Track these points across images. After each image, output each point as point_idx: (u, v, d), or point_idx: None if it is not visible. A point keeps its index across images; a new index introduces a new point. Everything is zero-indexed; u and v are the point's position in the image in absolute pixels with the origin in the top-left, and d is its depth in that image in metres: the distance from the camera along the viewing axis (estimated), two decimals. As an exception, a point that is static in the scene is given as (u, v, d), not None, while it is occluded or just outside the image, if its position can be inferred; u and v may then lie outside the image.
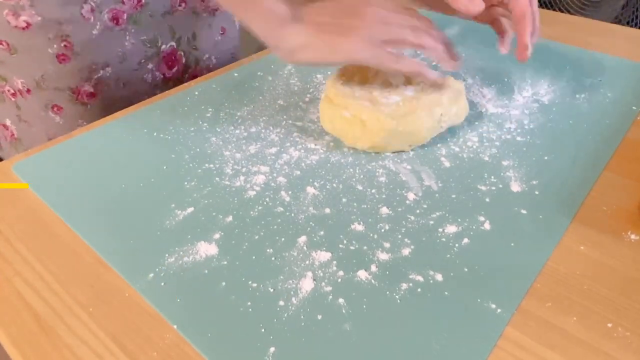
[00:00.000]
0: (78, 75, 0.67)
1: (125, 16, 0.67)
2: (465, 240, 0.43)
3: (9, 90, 0.68)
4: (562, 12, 1.31)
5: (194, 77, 0.78)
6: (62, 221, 0.46)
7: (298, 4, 0.51)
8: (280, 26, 0.49)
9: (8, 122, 0.72)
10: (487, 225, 0.45)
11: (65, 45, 0.64)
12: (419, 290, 0.39)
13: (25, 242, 0.45)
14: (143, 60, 0.72)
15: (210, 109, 0.62)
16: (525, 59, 0.53)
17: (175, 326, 0.37)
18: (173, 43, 0.75)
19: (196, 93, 0.65)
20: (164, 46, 0.74)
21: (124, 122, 0.60)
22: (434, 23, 0.53)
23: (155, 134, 0.57)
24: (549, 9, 1.29)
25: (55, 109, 0.68)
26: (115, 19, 0.67)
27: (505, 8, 0.56)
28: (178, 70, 0.77)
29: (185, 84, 0.68)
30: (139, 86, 0.73)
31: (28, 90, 0.67)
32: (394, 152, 0.54)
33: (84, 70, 0.67)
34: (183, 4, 0.73)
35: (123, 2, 0.66)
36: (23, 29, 0.62)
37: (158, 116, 0.61)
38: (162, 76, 0.75)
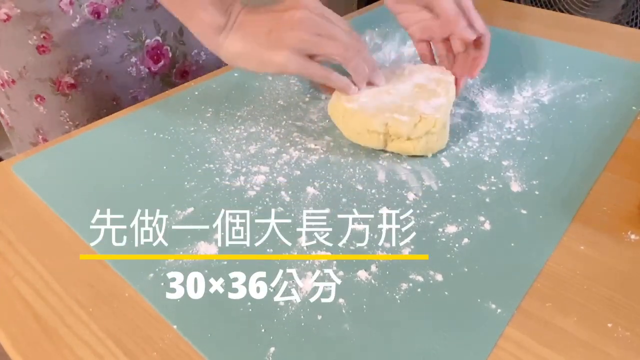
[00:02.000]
0: (58, 66, 0.67)
1: (106, 10, 0.67)
2: (465, 240, 0.43)
3: None
4: (562, 12, 1.30)
5: (183, 72, 0.78)
6: (62, 221, 0.46)
7: (235, 10, 0.52)
8: (215, 35, 0.52)
9: (2, 111, 0.73)
10: (487, 225, 0.45)
11: (44, 37, 0.65)
12: (419, 290, 0.39)
13: (25, 242, 0.45)
14: (126, 54, 0.72)
15: (210, 109, 0.62)
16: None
17: (175, 326, 0.37)
18: (158, 37, 0.74)
19: (196, 93, 0.65)
20: (148, 40, 0.73)
21: (124, 122, 0.60)
22: (365, 44, 0.55)
23: (155, 134, 0.57)
24: (549, 9, 1.29)
25: (38, 99, 0.69)
26: (96, 13, 0.66)
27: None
28: (165, 65, 0.76)
29: (185, 84, 0.68)
30: (124, 79, 0.73)
31: (13, 81, 0.68)
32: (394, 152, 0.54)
33: (64, 62, 0.67)
34: None
35: None
36: (4, 21, 0.63)
37: (158, 116, 0.61)
38: (147, 70, 0.74)
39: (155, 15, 0.72)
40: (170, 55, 0.76)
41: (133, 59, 0.72)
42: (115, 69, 0.71)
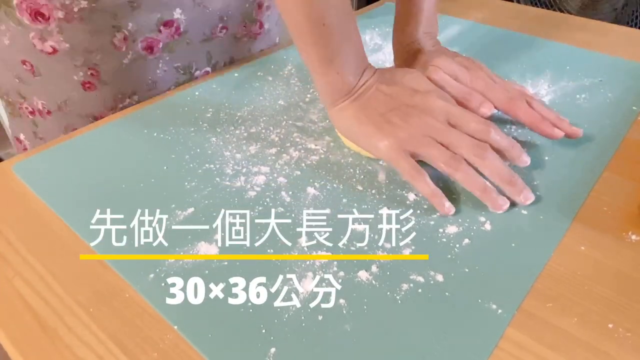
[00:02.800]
0: (103, 104, 0.64)
1: (160, 45, 0.64)
2: (466, 240, 0.43)
3: (26, 108, 0.66)
4: (562, 12, 1.30)
5: None
6: (62, 221, 0.46)
7: (365, 78, 0.51)
8: (334, 99, 0.51)
9: (22, 137, 0.70)
10: (487, 226, 0.45)
11: (92, 74, 0.62)
12: (420, 290, 0.39)
13: (25, 242, 0.44)
14: (173, 87, 0.69)
15: (210, 109, 0.61)
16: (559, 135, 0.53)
17: (175, 326, 0.37)
18: (208, 68, 0.72)
19: (196, 93, 0.65)
20: (198, 72, 0.70)
21: (124, 122, 0.60)
22: (496, 130, 0.49)
23: (155, 134, 0.57)
24: (549, 9, 1.29)
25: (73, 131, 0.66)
26: (150, 48, 0.63)
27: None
28: None
29: (185, 84, 0.68)
30: None
31: (48, 112, 0.65)
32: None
33: (110, 99, 0.65)
34: (224, 30, 0.70)
35: (160, 31, 0.63)
36: (49, 53, 0.59)
37: (158, 116, 0.61)
38: None
39: (209, 46, 0.70)
40: None
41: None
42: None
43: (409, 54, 0.61)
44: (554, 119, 0.54)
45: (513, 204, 0.47)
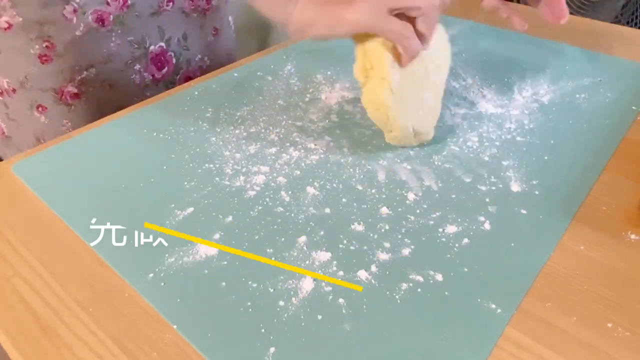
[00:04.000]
0: (61, 76, 0.66)
1: (110, 17, 0.66)
2: (466, 240, 0.43)
3: None
4: (562, 12, 1.30)
5: (187, 78, 0.78)
6: (62, 221, 0.46)
7: None
8: (285, 5, 0.49)
9: None
10: (487, 226, 0.45)
11: (47, 46, 0.64)
12: (419, 290, 0.39)
13: (25, 243, 0.45)
14: (130, 61, 0.71)
15: (210, 109, 0.61)
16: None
17: (175, 326, 0.37)
18: (162, 44, 0.73)
19: (196, 93, 0.65)
20: (152, 47, 0.72)
21: (124, 122, 0.60)
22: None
23: (155, 134, 0.57)
24: (548, 9, 1.29)
25: (40, 109, 0.68)
26: (101, 20, 0.65)
27: None
28: (168, 72, 0.75)
29: (185, 84, 0.68)
30: (127, 87, 0.72)
31: (13, 90, 0.67)
32: (396, 149, 0.54)
33: (67, 71, 0.66)
34: (170, 4, 0.72)
35: (108, 3, 0.65)
36: (5, 29, 0.62)
37: (158, 116, 0.61)
38: (151, 77, 0.74)
39: (159, 21, 0.72)
40: (174, 61, 0.76)
41: (137, 67, 0.72)
42: (118, 77, 0.70)
43: None
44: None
45: (513, 205, 0.47)
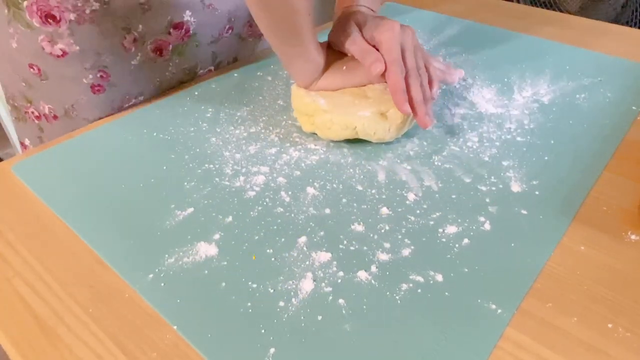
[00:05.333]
0: (110, 105, 0.64)
1: (170, 47, 0.64)
2: (466, 240, 0.43)
3: (32, 112, 0.65)
4: (562, 12, 1.30)
5: None
6: (61, 221, 0.46)
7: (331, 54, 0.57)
8: (312, 76, 0.57)
9: (27, 142, 0.70)
10: (487, 226, 0.45)
11: (101, 76, 0.61)
12: (419, 290, 0.39)
13: (25, 243, 0.45)
14: (176, 85, 0.69)
15: (210, 109, 0.61)
16: (427, 125, 0.54)
17: (175, 327, 0.37)
18: (212, 67, 0.72)
19: (196, 93, 0.65)
20: (201, 71, 0.71)
21: (124, 122, 0.60)
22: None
23: (155, 134, 0.57)
24: (548, 9, 1.29)
25: None
26: (159, 50, 0.63)
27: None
28: None
29: (185, 84, 0.68)
30: None
31: (55, 117, 0.64)
32: (396, 149, 0.54)
33: (117, 101, 0.64)
34: (230, 31, 0.70)
35: (169, 33, 0.63)
36: (58, 57, 0.59)
37: (158, 116, 0.61)
38: None
39: (215, 47, 0.70)
40: None
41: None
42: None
43: (342, 14, 0.61)
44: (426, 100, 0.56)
45: (513, 205, 0.47)
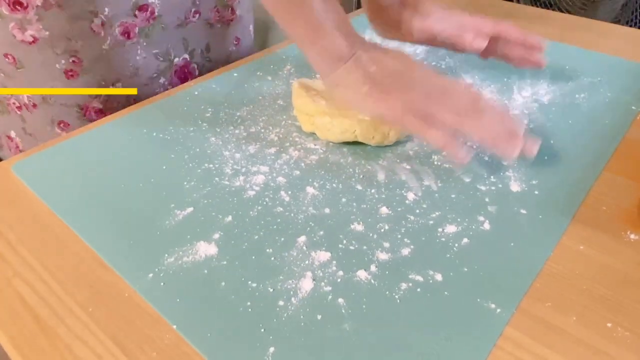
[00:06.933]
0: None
1: (136, 29, 0.65)
2: (465, 240, 0.43)
3: (14, 103, 0.66)
4: (562, 12, 1.30)
5: None
6: (61, 221, 0.46)
7: (358, 43, 0.50)
8: (334, 64, 0.49)
9: (13, 134, 0.70)
10: (486, 225, 0.45)
11: (73, 61, 0.62)
12: (419, 290, 0.39)
13: (25, 243, 0.45)
14: (155, 75, 0.70)
15: (210, 109, 0.62)
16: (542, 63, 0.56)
17: (175, 326, 0.37)
18: (186, 55, 0.73)
19: (196, 93, 0.65)
20: (177, 59, 0.71)
21: (124, 122, 0.60)
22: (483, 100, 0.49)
23: (155, 134, 0.57)
24: (548, 9, 1.29)
25: (61, 124, 0.67)
26: (127, 33, 0.64)
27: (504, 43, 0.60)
28: (190, 84, 0.75)
29: (185, 83, 0.68)
30: None
31: (34, 105, 0.65)
32: (396, 149, 0.54)
33: (93, 87, 0.65)
34: (197, 15, 0.71)
35: (135, 16, 0.64)
36: (30, 43, 0.59)
37: (158, 116, 0.61)
38: None
39: (184, 32, 0.71)
40: (196, 73, 0.75)
41: (161, 80, 0.71)
42: (143, 91, 0.70)
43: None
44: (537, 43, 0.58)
45: (513, 205, 0.47)
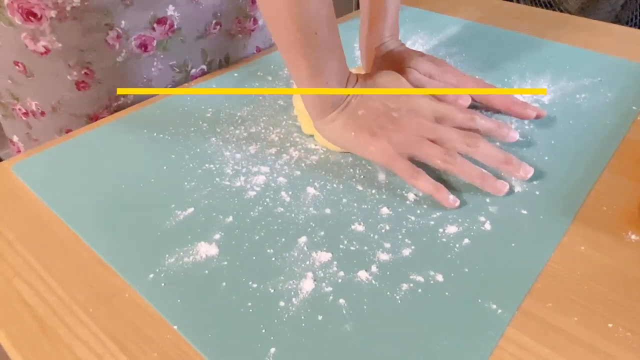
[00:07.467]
0: (97, 102, 0.64)
1: (154, 42, 0.63)
2: (466, 240, 0.43)
3: (19, 109, 0.65)
4: (562, 12, 1.30)
5: None
6: (62, 221, 0.46)
7: (350, 86, 0.51)
8: (323, 110, 0.51)
9: (15, 139, 0.70)
10: (487, 226, 0.45)
11: (85, 73, 0.61)
12: (420, 290, 0.39)
13: (25, 243, 0.44)
14: (169, 85, 0.68)
15: (210, 109, 0.61)
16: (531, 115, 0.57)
17: (175, 326, 0.37)
18: (204, 66, 0.71)
19: (196, 93, 0.65)
20: (193, 70, 0.70)
21: (124, 122, 0.60)
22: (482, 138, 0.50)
23: (155, 134, 0.57)
24: (549, 9, 1.29)
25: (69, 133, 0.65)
26: (144, 46, 0.63)
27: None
28: None
29: (185, 83, 0.68)
30: None
31: (42, 113, 0.64)
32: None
33: (104, 98, 0.64)
34: (217, 27, 0.70)
35: (153, 29, 0.63)
36: (42, 54, 0.59)
37: (158, 116, 0.61)
38: None
39: (203, 44, 0.69)
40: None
41: None
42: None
43: (377, 56, 0.62)
44: (523, 103, 0.58)
45: (513, 205, 0.47)
